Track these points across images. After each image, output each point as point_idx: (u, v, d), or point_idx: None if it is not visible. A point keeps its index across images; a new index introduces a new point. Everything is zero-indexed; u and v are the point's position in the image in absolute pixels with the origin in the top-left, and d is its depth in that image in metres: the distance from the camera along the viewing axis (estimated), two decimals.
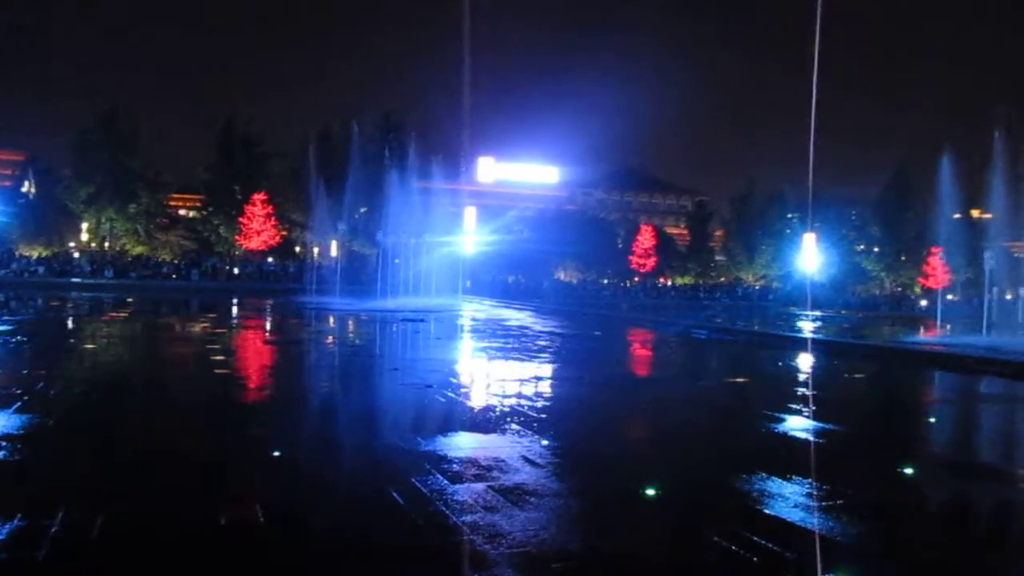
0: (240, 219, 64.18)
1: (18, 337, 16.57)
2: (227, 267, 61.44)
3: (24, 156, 70.01)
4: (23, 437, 6.79)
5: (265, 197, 64.05)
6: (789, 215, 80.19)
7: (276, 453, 6.73)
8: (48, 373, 10.76)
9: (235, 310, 30.86)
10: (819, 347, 19.94)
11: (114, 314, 26.50)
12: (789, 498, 5.64)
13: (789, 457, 7.18)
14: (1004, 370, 14.99)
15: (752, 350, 19.53)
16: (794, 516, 5.23)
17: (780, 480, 6.07)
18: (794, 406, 10.31)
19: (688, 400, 11.11)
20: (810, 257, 65.44)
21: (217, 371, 12.57)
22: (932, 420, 10.60)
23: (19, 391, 8.92)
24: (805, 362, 17.15)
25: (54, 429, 7.34)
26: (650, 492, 5.93)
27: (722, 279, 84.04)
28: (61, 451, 6.67)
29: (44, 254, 60.06)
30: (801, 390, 12.56)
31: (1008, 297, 34.37)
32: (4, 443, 6.49)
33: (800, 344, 21.21)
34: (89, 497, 5.20)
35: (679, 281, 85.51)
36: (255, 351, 16.38)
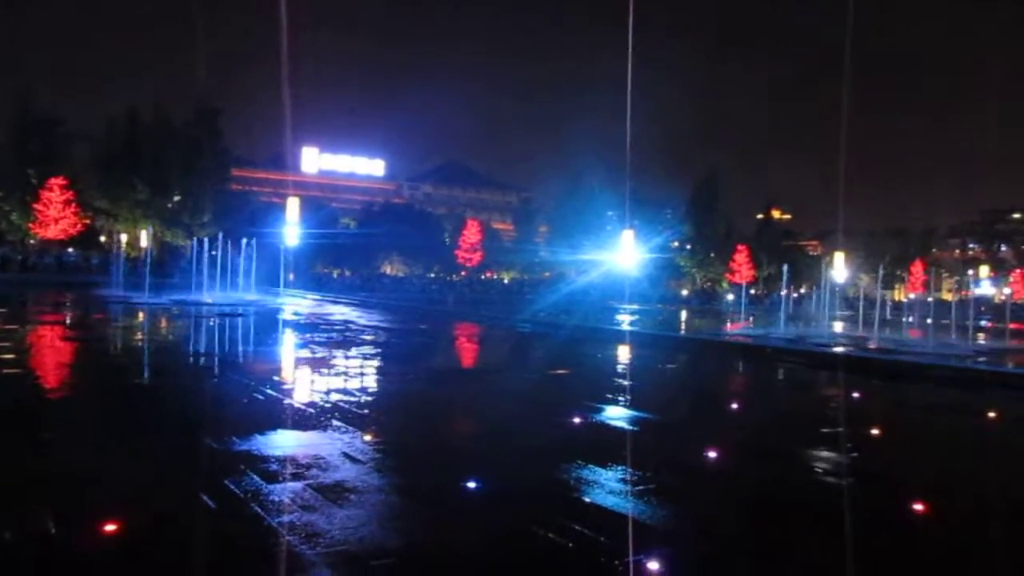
0: (35, 205, 59.02)
1: None
2: (20, 258, 56.36)
3: None
4: None
5: (64, 182, 59.16)
6: (609, 212, 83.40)
7: (69, 456, 6.22)
8: None
9: (29, 304, 28.32)
10: (635, 339, 20.92)
11: None
12: (605, 485, 5.84)
13: (606, 445, 7.44)
14: (800, 359, 16.37)
15: (574, 343, 20.15)
16: (609, 502, 5.43)
17: (597, 468, 6.28)
18: (612, 396, 10.73)
19: (511, 392, 11.30)
20: (628, 253, 68.35)
21: (5, 371, 11.48)
22: (735, 407, 11.36)
23: None
24: (623, 353, 17.90)
25: None
26: (472, 485, 5.95)
27: (546, 274, 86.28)
28: None
29: None
30: (619, 380, 13.09)
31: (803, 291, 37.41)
32: None
33: (618, 336, 22.16)
34: None
35: (505, 276, 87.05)
36: (50, 349, 15.08)
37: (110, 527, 4.69)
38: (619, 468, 6.38)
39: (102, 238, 66.84)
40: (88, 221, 63.27)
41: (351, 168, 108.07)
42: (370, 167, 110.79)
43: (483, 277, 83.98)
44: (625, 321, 29.71)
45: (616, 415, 9.09)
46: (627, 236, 69.48)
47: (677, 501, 5.67)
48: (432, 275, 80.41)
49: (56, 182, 58.96)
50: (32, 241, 61.51)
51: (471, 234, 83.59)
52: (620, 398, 10.55)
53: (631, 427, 8.37)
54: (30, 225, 59.98)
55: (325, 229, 66.15)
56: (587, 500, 5.50)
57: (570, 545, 4.58)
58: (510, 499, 5.64)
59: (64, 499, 5.13)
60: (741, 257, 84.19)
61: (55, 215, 59.17)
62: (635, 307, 45.26)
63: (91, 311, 25.96)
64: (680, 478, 6.42)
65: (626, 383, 12.62)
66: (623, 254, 68.01)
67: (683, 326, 31.02)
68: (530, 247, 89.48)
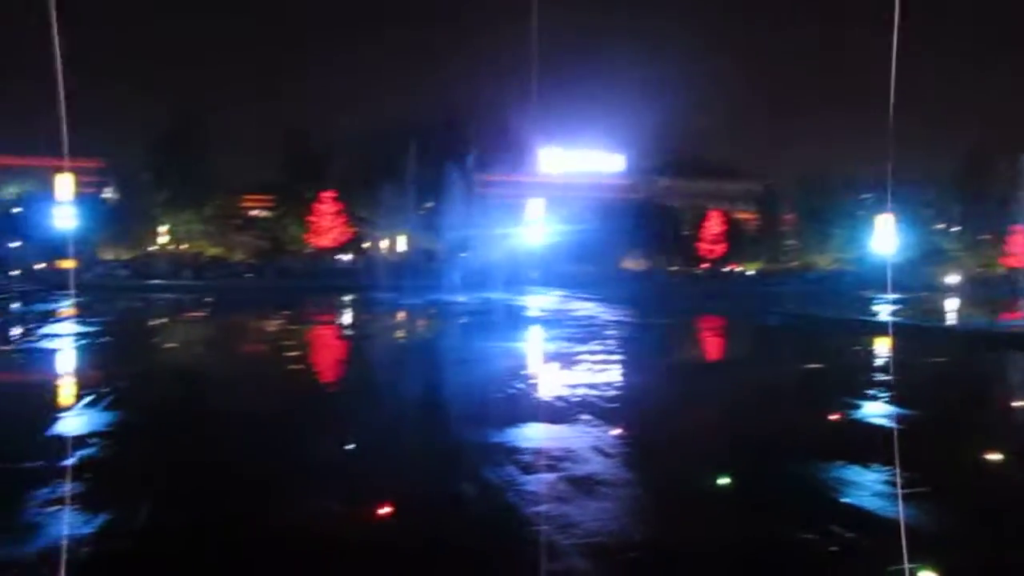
0: (309, 218, 65.46)
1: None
2: (298, 265, 62.72)
3: (104, 163, 72.64)
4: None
5: (333, 195, 65.15)
6: (862, 196, 77.89)
7: (350, 446, 6.88)
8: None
9: (308, 307, 31.45)
10: (896, 330, 19.37)
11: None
12: (868, 486, 5.52)
13: (867, 444, 7.02)
14: None
15: (827, 335, 19.10)
16: (873, 505, 5.13)
17: (858, 467, 5.95)
18: (872, 392, 10.07)
19: (760, 387, 10.94)
20: (886, 238, 63.49)
21: (291, 367, 12.90)
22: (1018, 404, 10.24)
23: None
24: (883, 346, 16.70)
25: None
26: (723, 482, 5.88)
27: (794, 264, 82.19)
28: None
29: (126, 257, 62.30)
30: (879, 376, 12.26)
31: None
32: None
33: (877, 328, 20.64)
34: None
35: (749, 267, 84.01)
36: (325, 348, 16.73)
37: (385, 508, 5.16)
38: (883, 469, 5.99)
39: (365, 244, 72.74)
40: (354, 229, 69.02)
41: (590, 165, 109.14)
42: (609, 163, 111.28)
43: (725, 269, 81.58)
44: (883, 311, 27.64)
45: (877, 412, 8.54)
46: (883, 220, 64.51)
47: (949, 505, 5.24)
48: (674, 268, 79.34)
49: (327, 195, 64.98)
50: (307, 250, 68.18)
51: (712, 225, 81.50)
52: (881, 394, 9.88)
53: (895, 425, 7.82)
54: (306, 235, 66.58)
55: (566, 227, 67.52)
56: (847, 502, 5.24)
57: (830, 550, 4.40)
58: (762, 498, 5.50)
59: (340, 485, 5.69)
60: (1020, 238, 75.05)
61: (326, 225, 65.26)
62: (894, 296, 41.98)
63: (359, 312, 28.41)
64: (952, 481, 5.92)
65: (887, 378, 11.78)
66: (879, 239, 63.23)
67: (952, 315, 28.31)
68: (775, 236, 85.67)
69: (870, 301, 33.40)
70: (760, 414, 8.73)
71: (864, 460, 6.12)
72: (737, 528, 4.86)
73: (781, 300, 31.71)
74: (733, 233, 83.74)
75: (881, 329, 19.94)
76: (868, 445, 6.94)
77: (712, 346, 18.79)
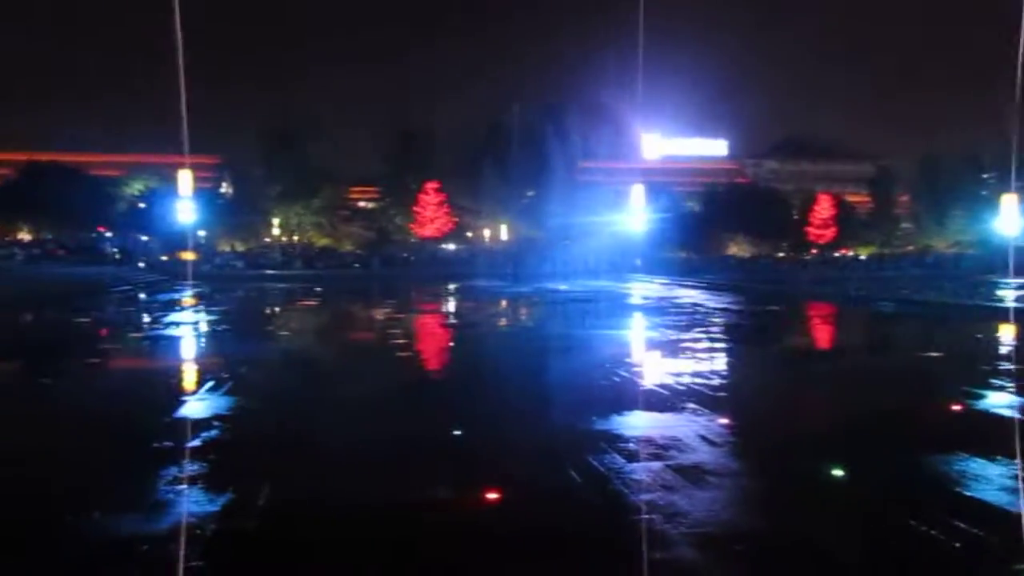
0: (414, 208, 66.75)
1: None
2: (404, 255, 64.09)
3: (220, 159, 75.97)
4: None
5: (437, 185, 66.22)
6: (984, 176, 73.72)
7: (456, 432, 7.02)
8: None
9: (413, 295, 32.13)
10: (1020, 317, 18.29)
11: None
12: (992, 480, 5.27)
13: (989, 436, 6.68)
14: None
15: (945, 322, 18.23)
16: (997, 499, 4.89)
17: (982, 460, 5.67)
18: (996, 381, 9.57)
19: (875, 375, 10.57)
20: (1010, 220, 59.93)
21: (399, 354, 13.21)
22: None
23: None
24: (1007, 334, 15.83)
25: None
26: (837, 473, 5.71)
27: (909, 248, 78.60)
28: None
29: (241, 249, 65.06)
30: (1003, 364, 11.62)
31: None
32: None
33: (1000, 314, 19.54)
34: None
35: (861, 251, 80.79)
36: (430, 336, 17.07)
37: (492, 494, 5.25)
38: (1009, 462, 5.70)
39: (468, 234, 73.66)
40: (457, 219, 69.98)
41: (692, 151, 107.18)
42: (712, 147, 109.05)
43: (836, 254, 78.72)
44: (1008, 297, 26.15)
45: (1002, 402, 8.11)
46: (1008, 200, 60.88)
47: None
48: (781, 255, 77.11)
49: (431, 186, 66.11)
50: (412, 240, 69.56)
51: (822, 209, 78.70)
52: (1007, 384, 9.37)
53: (1021, 416, 7.41)
54: (411, 225, 67.94)
55: (668, 213, 66.55)
56: (970, 495, 5.01)
57: (952, 545, 4.22)
58: (877, 491, 5.31)
59: (447, 470, 5.81)
60: None
61: (430, 215, 66.42)
62: (1020, 280, 39.63)
63: (463, 300, 28.81)
64: None
65: (1012, 367, 11.15)
66: (1003, 221, 59.70)
67: None
68: (889, 219, 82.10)
69: (994, 286, 31.64)
70: (875, 403, 8.42)
71: (989, 452, 5.83)
72: (851, 521, 4.72)
73: (896, 285, 30.36)
74: (843, 216, 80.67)
75: (1004, 315, 18.88)
76: (993, 436, 6.61)
77: (823, 333, 18.22)
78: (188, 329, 16.99)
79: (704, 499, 4.90)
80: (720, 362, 11.80)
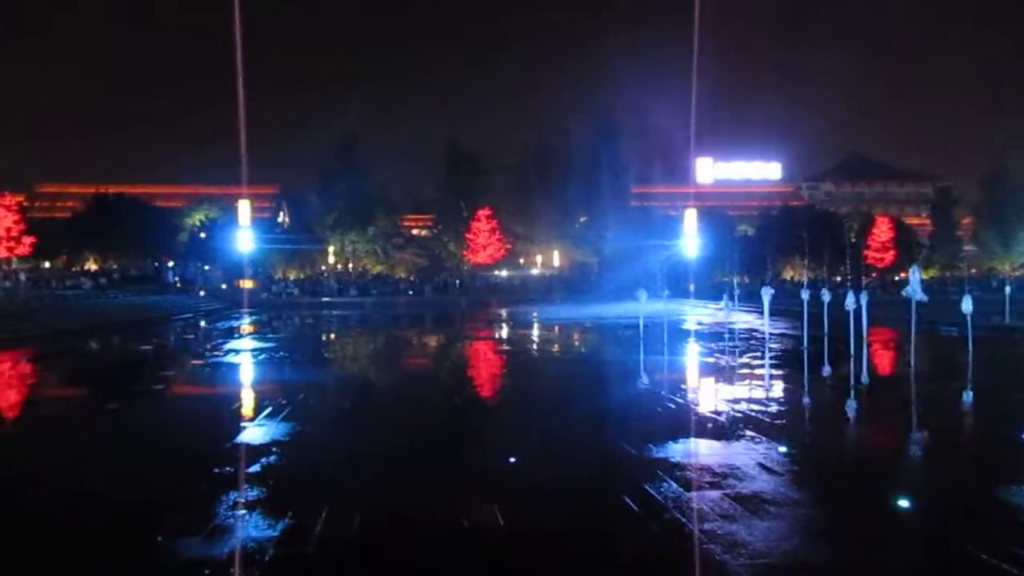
0: (467, 235, 67.18)
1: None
2: (456, 281, 64.45)
3: (278, 188, 77.65)
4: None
5: (489, 212, 66.57)
6: None
7: (512, 459, 7.00)
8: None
9: (464, 322, 32.25)
10: None
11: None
12: None
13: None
14: None
15: (1008, 347, 17.60)
16: None
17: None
18: None
19: (937, 405, 10.26)
20: None
21: (444, 378, 13.26)
22: None
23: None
24: None
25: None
26: (903, 504, 5.55)
27: (972, 271, 76.39)
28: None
29: (298, 277, 66.17)
30: None
31: None
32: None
33: None
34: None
35: (923, 275, 78.77)
36: (484, 361, 17.10)
37: (549, 521, 5.21)
38: None
39: (521, 260, 73.81)
40: (509, 245, 70.20)
41: (746, 174, 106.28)
42: (765, 171, 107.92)
43: (896, 278, 76.94)
44: None
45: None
46: None
47: None
48: (839, 278, 75.64)
49: (483, 212, 66.48)
50: (465, 266, 69.98)
51: (881, 232, 77.09)
52: None
53: None
54: (464, 252, 68.37)
55: (722, 238, 65.88)
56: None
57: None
58: (940, 521, 5.15)
59: (502, 496, 5.79)
60: None
61: (483, 242, 66.74)
62: None
63: (514, 327, 28.81)
64: None
65: None
66: None
67: None
68: (951, 241, 79.99)
69: None
70: (939, 433, 8.18)
71: None
72: (913, 553, 4.58)
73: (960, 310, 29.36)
74: (902, 239, 78.92)
75: None
76: None
77: (885, 360, 17.76)
78: (247, 356, 17.29)
79: (764, 529, 4.80)
80: (777, 389, 11.59)
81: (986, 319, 25.02)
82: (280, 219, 72.97)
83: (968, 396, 10.73)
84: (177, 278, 56.93)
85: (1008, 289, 26.20)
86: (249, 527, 4.97)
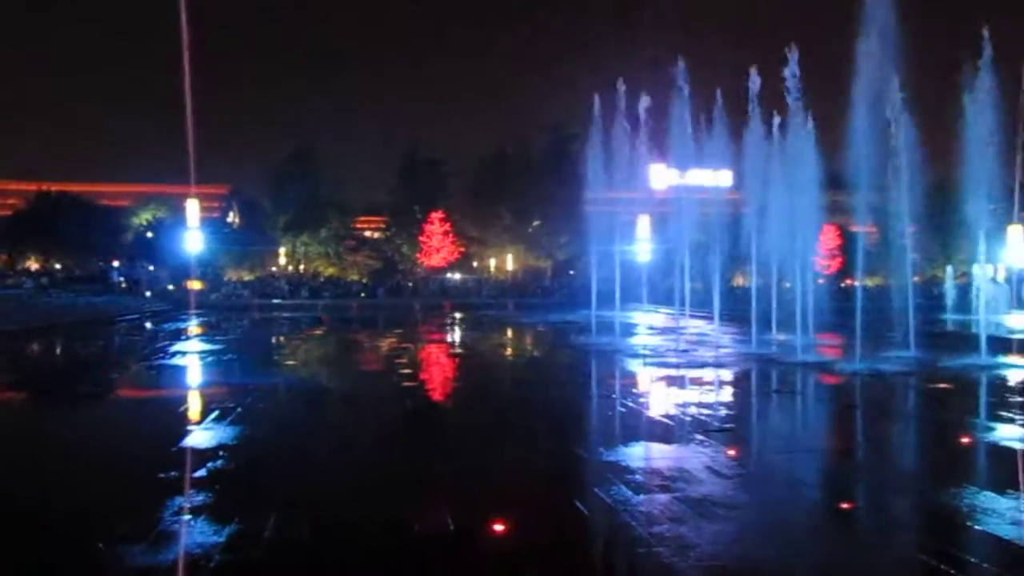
0: (420, 237, 66.88)
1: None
2: (409, 284, 64.12)
3: (228, 189, 76.41)
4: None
5: (443, 215, 66.36)
6: (991, 206, 73.64)
7: (464, 463, 6.98)
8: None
9: (420, 325, 32.05)
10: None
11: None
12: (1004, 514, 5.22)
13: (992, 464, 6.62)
14: None
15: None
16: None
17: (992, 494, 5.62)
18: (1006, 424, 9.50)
19: (897, 406, 10.50)
20: (1017, 250, 59.77)
21: (405, 384, 13.19)
22: None
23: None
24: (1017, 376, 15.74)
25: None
26: (845, 506, 5.66)
27: (915, 278, 78.34)
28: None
29: (248, 278, 65.20)
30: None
31: None
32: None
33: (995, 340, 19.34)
34: None
35: (869, 282, 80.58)
36: (437, 365, 17.04)
37: (499, 526, 5.21)
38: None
39: (474, 263, 73.69)
40: (463, 249, 70.06)
41: (699, 181, 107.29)
42: (717, 179, 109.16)
43: (842, 285, 78.59)
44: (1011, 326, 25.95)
45: (1013, 435, 8.04)
46: (1015, 231, 60.70)
47: None
48: (787, 284, 76.91)
49: (436, 215, 66.25)
50: (418, 269, 69.64)
51: (827, 239, 78.76)
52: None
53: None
54: (417, 255, 68.04)
55: (674, 243, 66.47)
56: (979, 528, 4.95)
57: None
58: (885, 522, 5.26)
59: (454, 500, 5.77)
60: None
61: (436, 245, 66.49)
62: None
63: (467, 330, 28.78)
64: None
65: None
66: (1011, 251, 59.47)
67: None
68: (894, 249, 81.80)
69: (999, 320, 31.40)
70: (887, 435, 8.38)
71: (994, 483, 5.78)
72: (859, 553, 4.67)
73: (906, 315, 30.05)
74: (849, 247, 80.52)
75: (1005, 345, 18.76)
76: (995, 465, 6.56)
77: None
78: (194, 359, 16.98)
79: (714, 531, 4.85)
80: (727, 394, 11.74)
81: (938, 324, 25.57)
82: (230, 219, 71.85)
83: (928, 393, 10.97)
84: (123, 279, 55.63)
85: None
86: (195, 533, 4.87)
